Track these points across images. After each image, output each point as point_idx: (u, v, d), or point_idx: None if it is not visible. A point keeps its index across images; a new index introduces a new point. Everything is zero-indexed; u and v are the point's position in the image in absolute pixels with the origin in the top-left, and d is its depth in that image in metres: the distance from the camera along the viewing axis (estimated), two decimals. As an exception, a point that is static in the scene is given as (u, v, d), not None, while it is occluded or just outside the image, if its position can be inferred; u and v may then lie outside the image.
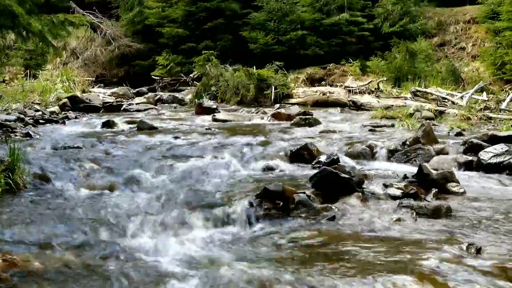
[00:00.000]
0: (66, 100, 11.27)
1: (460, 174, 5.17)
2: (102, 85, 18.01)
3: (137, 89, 15.85)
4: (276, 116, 9.84)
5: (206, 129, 8.36)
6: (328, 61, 16.11)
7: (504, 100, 10.20)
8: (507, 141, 5.89)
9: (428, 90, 11.65)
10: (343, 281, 2.88)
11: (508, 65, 12.60)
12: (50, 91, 11.89)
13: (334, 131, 7.95)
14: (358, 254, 3.30)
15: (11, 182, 4.44)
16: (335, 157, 5.65)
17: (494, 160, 5.50)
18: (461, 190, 4.68)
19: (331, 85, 14.26)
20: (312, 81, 15.48)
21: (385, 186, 4.60)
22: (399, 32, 15.79)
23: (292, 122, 8.93)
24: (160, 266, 3.17)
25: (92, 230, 3.67)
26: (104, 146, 6.59)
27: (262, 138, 7.20)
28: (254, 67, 13.86)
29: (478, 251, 3.25)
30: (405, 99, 11.41)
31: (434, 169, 5.19)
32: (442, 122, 9.01)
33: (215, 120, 9.61)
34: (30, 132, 7.43)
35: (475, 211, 4.15)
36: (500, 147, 5.61)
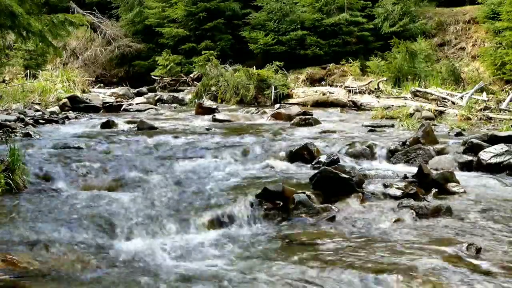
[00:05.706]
0: (66, 100, 11.28)
1: (460, 174, 5.17)
2: (102, 85, 18.02)
3: (137, 89, 15.87)
4: (276, 116, 9.84)
5: (206, 129, 8.35)
6: (328, 61, 16.12)
7: (504, 100, 10.20)
8: (507, 141, 5.89)
9: (428, 90, 11.66)
10: (343, 281, 2.89)
11: (508, 65, 12.61)
12: (50, 91, 11.90)
13: (334, 131, 7.95)
14: (358, 254, 3.30)
15: (11, 182, 4.43)
16: (335, 157, 5.65)
17: (494, 160, 5.50)
18: (461, 190, 4.68)
19: (331, 85, 14.26)
20: (312, 81, 15.49)
21: (385, 186, 4.60)
22: (399, 32, 15.81)
23: (292, 122, 8.93)
24: (159, 266, 3.17)
25: (92, 231, 3.67)
26: (104, 146, 6.58)
27: (262, 138, 7.21)
28: (254, 67, 13.87)
29: (478, 251, 3.25)
30: (405, 99, 11.42)
31: (434, 169, 5.21)
32: (442, 122, 9.01)
33: (215, 120, 9.61)
34: (30, 132, 7.43)
35: (475, 211, 4.15)
36: (500, 147, 5.61)
